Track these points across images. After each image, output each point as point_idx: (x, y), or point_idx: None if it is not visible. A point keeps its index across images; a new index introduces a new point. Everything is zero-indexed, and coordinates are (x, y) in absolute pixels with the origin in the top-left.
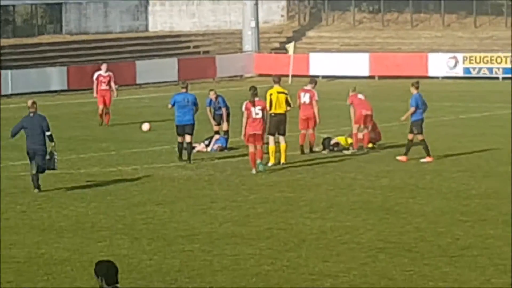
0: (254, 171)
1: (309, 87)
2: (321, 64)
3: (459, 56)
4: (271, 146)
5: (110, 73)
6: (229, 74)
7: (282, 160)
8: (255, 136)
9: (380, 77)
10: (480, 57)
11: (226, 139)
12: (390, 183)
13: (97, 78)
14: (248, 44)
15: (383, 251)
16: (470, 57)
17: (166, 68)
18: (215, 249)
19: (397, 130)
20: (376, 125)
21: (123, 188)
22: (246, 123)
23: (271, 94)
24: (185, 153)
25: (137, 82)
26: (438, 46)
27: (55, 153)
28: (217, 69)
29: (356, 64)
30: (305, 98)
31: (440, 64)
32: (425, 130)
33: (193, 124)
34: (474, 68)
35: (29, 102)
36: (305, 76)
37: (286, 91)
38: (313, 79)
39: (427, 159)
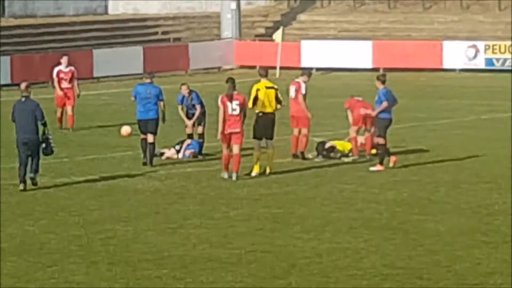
0: (225, 175)
1: (299, 79)
2: (315, 54)
3: (480, 44)
4: (257, 153)
5: (73, 68)
6: (205, 66)
7: (268, 169)
8: (231, 135)
9: (386, 70)
10: (505, 46)
11: (201, 144)
12: (397, 197)
13: (57, 75)
14: (228, 29)
15: (389, 278)
16: (493, 45)
17: (129, 59)
18: (188, 275)
19: (405, 133)
20: None
21: (77, 203)
22: (223, 119)
23: (258, 90)
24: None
25: (95, 75)
26: (455, 32)
27: (50, 136)
28: (190, 60)
29: (357, 54)
30: (291, 91)
31: (457, 54)
32: (440, 133)
33: (156, 120)
34: (497, 59)
35: (23, 85)
36: (295, 68)
37: (276, 86)
38: (307, 71)
39: (378, 167)
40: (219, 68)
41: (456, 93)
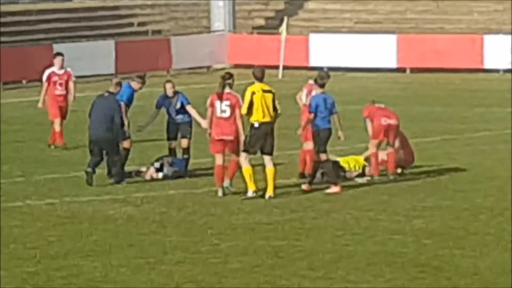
0: (220, 193)
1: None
2: (326, 50)
3: None
4: (247, 168)
5: (69, 70)
6: (191, 65)
7: (269, 192)
8: (223, 142)
9: (414, 70)
10: None
11: (187, 161)
12: (427, 227)
13: (49, 78)
14: (219, 20)
15: None
16: None
17: (98, 55)
18: None
19: (437, 148)
20: (407, 141)
21: (33, 232)
22: (211, 123)
23: (253, 93)
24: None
25: None
26: (499, 24)
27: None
28: (174, 57)
29: (379, 50)
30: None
31: (501, 51)
32: (479, 148)
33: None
34: None
35: (114, 80)
36: (302, 68)
37: (273, 90)
38: (323, 72)
39: (332, 189)
40: (208, 67)
41: (498, 99)
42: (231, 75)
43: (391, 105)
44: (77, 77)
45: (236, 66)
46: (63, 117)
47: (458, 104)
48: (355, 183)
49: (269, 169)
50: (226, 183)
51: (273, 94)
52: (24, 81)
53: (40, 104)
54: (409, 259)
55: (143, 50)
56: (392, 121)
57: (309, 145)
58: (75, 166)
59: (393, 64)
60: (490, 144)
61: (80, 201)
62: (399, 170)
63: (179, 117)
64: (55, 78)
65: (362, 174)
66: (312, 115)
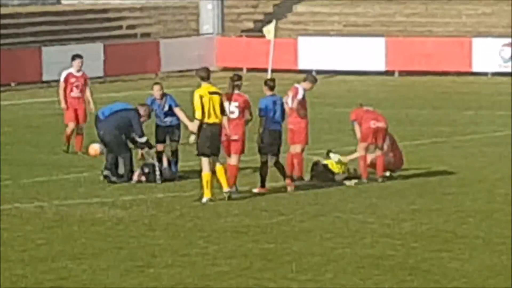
0: (226, 191)
1: (300, 85)
2: (315, 53)
3: None
4: (206, 174)
5: (85, 73)
6: (180, 68)
7: (225, 187)
8: (229, 143)
9: (402, 73)
10: None
11: (175, 163)
12: (415, 230)
13: (66, 80)
14: (208, 23)
15: None
16: None
17: (86, 58)
18: None
19: (426, 151)
20: (395, 143)
21: (22, 235)
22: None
23: (201, 97)
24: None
25: (44, 78)
26: (487, 27)
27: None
28: (162, 60)
29: (367, 53)
30: (231, 108)
31: (489, 55)
32: (468, 151)
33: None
34: None
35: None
36: (291, 71)
37: (220, 91)
38: (312, 76)
39: (259, 189)
40: (197, 70)
41: (487, 102)
42: (240, 77)
43: (379, 108)
44: None
45: (225, 69)
46: (79, 120)
47: (446, 107)
48: (344, 186)
49: (218, 167)
50: (227, 190)
51: (220, 95)
52: (12, 84)
53: (63, 105)
54: (398, 262)
55: (131, 53)
56: (381, 124)
57: (296, 148)
58: (64, 169)
59: (382, 67)
60: (479, 147)
61: (68, 204)
62: (387, 173)
63: (168, 120)
64: (72, 80)
65: (350, 177)
66: (263, 118)
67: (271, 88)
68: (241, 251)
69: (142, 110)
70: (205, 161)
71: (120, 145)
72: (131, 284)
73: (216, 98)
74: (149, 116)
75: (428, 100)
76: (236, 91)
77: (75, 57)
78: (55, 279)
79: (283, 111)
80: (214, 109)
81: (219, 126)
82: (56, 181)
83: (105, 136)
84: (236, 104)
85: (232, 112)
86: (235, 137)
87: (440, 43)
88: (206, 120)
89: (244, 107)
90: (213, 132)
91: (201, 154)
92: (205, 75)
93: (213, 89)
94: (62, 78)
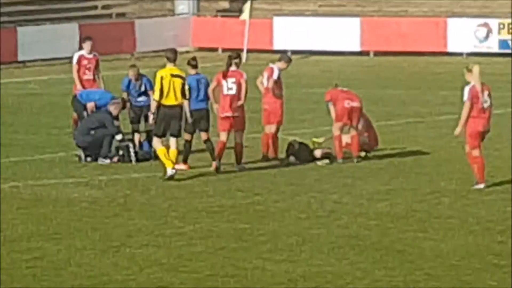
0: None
1: (275, 65)
2: (290, 33)
3: (493, 23)
4: (160, 149)
5: (97, 55)
6: (155, 48)
7: (169, 166)
8: (229, 120)
9: (377, 53)
10: None
11: (149, 143)
12: (390, 210)
13: (79, 62)
14: (183, 3)
15: None
16: (508, 24)
17: (62, 38)
18: None
19: (401, 131)
20: (370, 124)
21: None
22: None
23: (162, 78)
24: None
25: (20, 58)
26: (462, 8)
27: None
28: (137, 40)
29: (342, 34)
30: (228, 84)
31: (465, 35)
32: (443, 131)
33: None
34: None
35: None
36: (267, 51)
37: (183, 75)
38: (286, 56)
39: (181, 165)
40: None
41: (462, 82)
42: (238, 55)
43: (354, 88)
44: (41, 60)
45: (200, 49)
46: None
47: (421, 87)
48: (319, 166)
49: (172, 150)
50: (237, 168)
51: (183, 78)
52: None
53: (78, 86)
54: (373, 242)
55: (107, 33)
56: (355, 104)
57: (271, 128)
58: (39, 150)
59: (357, 47)
60: (454, 127)
61: (43, 184)
62: (363, 153)
63: (141, 100)
64: (84, 62)
65: (327, 154)
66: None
67: (194, 67)
68: (216, 231)
69: (112, 109)
70: (157, 141)
71: (98, 144)
72: (106, 264)
73: (177, 80)
74: (123, 107)
75: (403, 80)
76: (233, 68)
77: (85, 39)
78: (30, 259)
79: (207, 89)
80: (174, 92)
81: (177, 108)
82: (31, 161)
83: (82, 143)
84: (233, 80)
85: (230, 89)
86: (235, 114)
87: (415, 23)
88: (163, 101)
89: (241, 83)
90: (169, 113)
91: (154, 134)
92: (172, 56)
93: (176, 71)
94: (74, 61)
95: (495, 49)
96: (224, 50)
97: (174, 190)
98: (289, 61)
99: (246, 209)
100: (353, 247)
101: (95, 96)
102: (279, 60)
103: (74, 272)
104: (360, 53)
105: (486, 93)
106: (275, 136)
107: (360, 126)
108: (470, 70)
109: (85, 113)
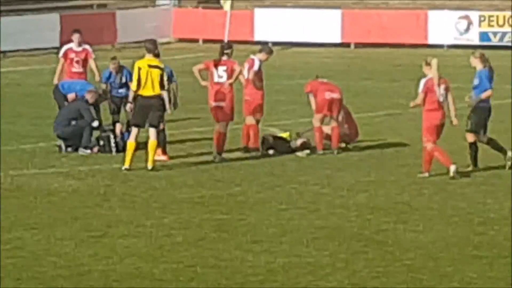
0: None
1: (256, 56)
2: (271, 25)
3: (474, 15)
4: (130, 142)
5: (87, 47)
6: (136, 39)
7: (149, 164)
8: (218, 110)
9: (358, 45)
10: (503, 17)
11: (129, 134)
12: (370, 201)
13: (65, 55)
14: None
15: None
16: (489, 16)
17: (42, 29)
18: None
19: (381, 123)
20: (351, 115)
21: None
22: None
23: (139, 68)
24: None
25: (1, 48)
26: (443, 0)
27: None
28: (118, 31)
29: (323, 25)
30: (219, 72)
31: (445, 27)
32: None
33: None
34: (494, 33)
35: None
36: (247, 43)
37: (161, 66)
38: (267, 47)
39: (162, 156)
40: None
41: (443, 74)
42: (230, 45)
43: (335, 80)
44: (22, 50)
45: (181, 40)
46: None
47: (402, 79)
48: (300, 157)
49: (151, 141)
50: (216, 157)
51: (161, 69)
52: None
53: (55, 81)
54: (353, 233)
55: (88, 24)
56: (335, 95)
57: (252, 120)
58: (19, 140)
59: (338, 39)
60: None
61: (24, 174)
62: (343, 145)
63: (122, 91)
64: (72, 55)
65: (306, 145)
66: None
67: (157, 56)
68: (196, 222)
69: (89, 97)
70: (133, 130)
71: (79, 134)
72: (86, 254)
73: (155, 71)
74: (105, 99)
75: (384, 72)
76: (224, 58)
77: (74, 32)
78: (10, 248)
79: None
80: (152, 82)
81: (154, 99)
82: (12, 151)
83: (63, 134)
84: (224, 68)
85: (220, 77)
86: (222, 103)
87: (396, 16)
88: (140, 92)
89: (232, 71)
90: (146, 104)
91: (132, 124)
92: (151, 47)
93: (155, 62)
94: (60, 54)
95: (476, 41)
96: (205, 41)
97: (155, 180)
98: (270, 52)
99: (226, 200)
100: (333, 238)
101: (76, 86)
102: (260, 51)
103: (54, 262)
104: (341, 45)
105: (442, 86)
106: (256, 127)
107: (340, 118)
108: (428, 64)
109: (66, 104)
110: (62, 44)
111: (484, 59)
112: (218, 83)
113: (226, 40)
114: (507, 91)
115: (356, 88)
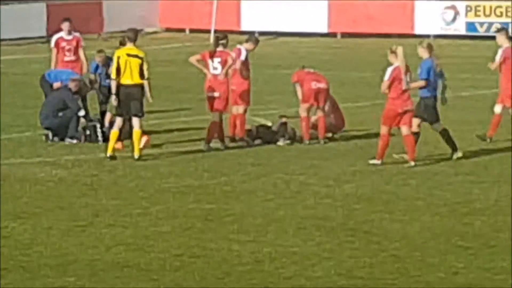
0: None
1: (242, 46)
2: (258, 14)
3: (460, 5)
4: (114, 131)
5: (78, 35)
6: (123, 28)
7: (136, 153)
8: (213, 100)
9: (345, 35)
10: (490, 7)
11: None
12: (357, 191)
13: (57, 44)
14: None
15: None
16: (475, 7)
17: (28, 18)
18: (99, 285)
19: (367, 113)
20: (337, 105)
21: None
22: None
23: (119, 57)
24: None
25: None
26: None
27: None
28: (105, 20)
29: (309, 15)
30: (214, 64)
31: (432, 17)
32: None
33: None
34: (481, 24)
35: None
36: (234, 32)
37: (141, 55)
38: (254, 37)
39: (117, 144)
40: (139, 31)
41: None
42: (225, 36)
43: (322, 70)
44: (8, 39)
45: (168, 29)
46: None
47: None
48: (286, 147)
49: (136, 130)
50: (205, 146)
51: (141, 59)
52: None
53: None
54: (339, 223)
55: (74, 13)
56: (322, 85)
57: (238, 109)
58: (6, 129)
59: (324, 29)
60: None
61: (10, 163)
62: (329, 135)
63: (109, 82)
64: (63, 44)
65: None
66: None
67: (123, 45)
68: (182, 212)
69: (73, 86)
70: (116, 120)
71: (66, 124)
72: (72, 244)
73: (134, 60)
74: (86, 86)
75: (370, 62)
76: (220, 49)
77: (63, 20)
78: None
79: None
80: (130, 71)
81: (134, 87)
82: None
83: (50, 125)
84: (219, 59)
85: (215, 68)
86: (215, 93)
87: (382, 5)
88: (121, 81)
89: (225, 63)
90: (126, 93)
91: (115, 114)
92: (132, 36)
93: (134, 51)
94: (52, 43)
95: (462, 31)
96: (191, 30)
97: (141, 170)
98: (256, 42)
99: (213, 190)
100: (319, 228)
101: (62, 76)
102: (247, 41)
103: (40, 251)
104: (328, 35)
105: (408, 75)
106: (242, 117)
107: (326, 108)
108: (394, 52)
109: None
110: (48, 34)
111: (431, 49)
112: (212, 75)
113: (212, 30)
114: (495, 82)
115: (342, 78)
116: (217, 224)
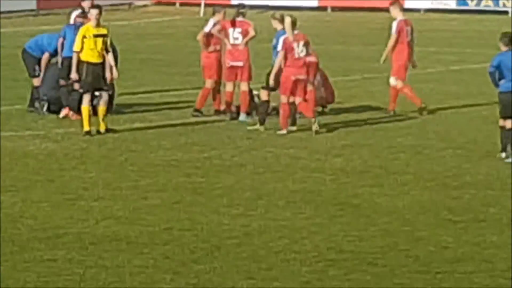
0: (228, 117)
1: (241, 19)
2: None
3: None
4: (84, 107)
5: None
6: (112, 1)
7: (101, 128)
8: (234, 69)
9: (335, 9)
10: None
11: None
12: (346, 165)
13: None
14: None
15: (335, 264)
16: None
17: None
18: (88, 257)
19: (357, 87)
20: (327, 79)
21: None
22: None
23: (84, 36)
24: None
25: None
26: None
27: None
28: None
29: None
30: (234, 34)
31: None
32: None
33: None
34: None
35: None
36: (224, 6)
37: (105, 32)
38: (219, 8)
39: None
40: (130, 4)
41: (420, 38)
42: (244, 6)
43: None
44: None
45: (158, 3)
46: None
47: (378, 43)
48: (275, 120)
49: (100, 107)
50: (242, 117)
51: (105, 37)
52: None
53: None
54: (328, 197)
55: None
56: (312, 59)
57: (229, 86)
58: None
59: (315, 3)
60: (411, 83)
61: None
62: (319, 109)
63: None
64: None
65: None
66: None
67: (85, 18)
68: (172, 185)
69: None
70: (85, 96)
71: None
72: (62, 217)
73: (99, 40)
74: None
75: (361, 36)
76: (240, 19)
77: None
78: None
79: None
80: (97, 51)
81: (100, 65)
82: None
83: (51, 98)
84: (240, 30)
85: (236, 38)
86: (239, 63)
87: None
88: (88, 59)
89: (247, 34)
90: (93, 70)
91: (83, 90)
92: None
93: (101, 31)
94: (71, 20)
95: (453, 6)
96: (181, 4)
97: (131, 143)
98: (224, 13)
99: (203, 163)
100: (308, 202)
101: (43, 43)
102: (213, 13)
103: (30, 224)
104: (318, 9)
105: (301, 43)
106: (246, 93)
107: (316, 82)
108: (281, 20)
109: (37, 67)
110: (39, 7)
111: (283, 21)
112: (234, 44)
113: (202, 4)
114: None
115: (332, 52)
116: (206, 197)
